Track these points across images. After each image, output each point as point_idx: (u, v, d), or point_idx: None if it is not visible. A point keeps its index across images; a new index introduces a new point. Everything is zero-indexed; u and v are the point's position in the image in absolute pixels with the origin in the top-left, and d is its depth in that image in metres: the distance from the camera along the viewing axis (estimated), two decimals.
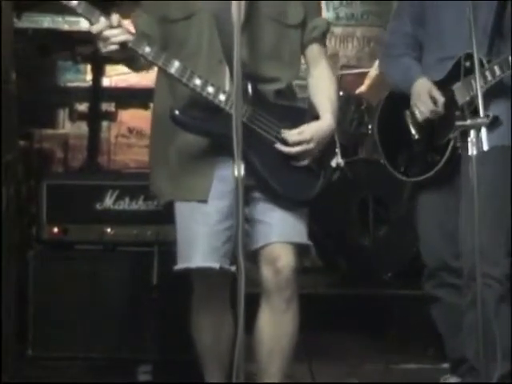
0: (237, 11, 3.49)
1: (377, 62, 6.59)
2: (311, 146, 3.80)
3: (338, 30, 7.54)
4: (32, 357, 5.23)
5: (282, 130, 3.79)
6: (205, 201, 3.79)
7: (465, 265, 4.12)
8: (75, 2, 3.58)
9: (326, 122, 3.87)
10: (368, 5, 8.11)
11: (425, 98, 4.26)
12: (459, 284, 4.29)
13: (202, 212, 3.82)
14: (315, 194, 3.88)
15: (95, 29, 3.57)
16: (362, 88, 6.65)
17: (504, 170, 4.14)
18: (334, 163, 3.94)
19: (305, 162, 3.84)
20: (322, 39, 4.04)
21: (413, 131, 4.38)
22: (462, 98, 4.16)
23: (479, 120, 3.65)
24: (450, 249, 4.36)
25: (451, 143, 4.22)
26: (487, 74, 3.98)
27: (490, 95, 4.05)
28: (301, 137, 3.79)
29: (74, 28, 5.58)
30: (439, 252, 4.43)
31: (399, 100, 4.46)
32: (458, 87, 4.20)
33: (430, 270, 4.47)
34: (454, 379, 4.48)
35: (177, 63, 3.67)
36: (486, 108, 3.80)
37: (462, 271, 4.23)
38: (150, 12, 3.88)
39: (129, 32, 3.63)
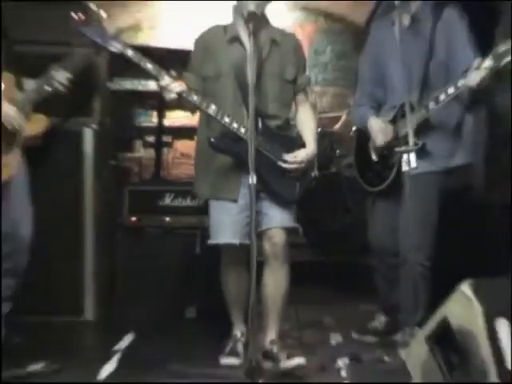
0: (251, 72, 3.53)
1: (346, 110, 6.66)
2: (302, 165, 3.83)
3: (317, 89, 7.52)
4: (119, 300, 5.13)
5: (284, 154, 3.81)
6: (235, 200, 3.81)
7: (401, 250, 4.05)
8: (150, 66, 3.65)
9: (310, 149, 3.89)
10: (338, 72, 8.06)
11: (378, 133, 4.16)
12: (394, 261, 4.19)
13: (229, 207, 3.83)
14: (300, 195, 3.88)
15: (162, 83, 3.65)
16: (337, 126, 6.63)
17: (430, 188, 4.01)
18: (313, 174, 3.95)
19: (296, 175, 3.85)
20: (305, 89, 4.04)
21: (373, 156, 4.25)
22: (401, 131, 4.03)
23: (409, 147, 3.60)
24: (390, 237, 4.23)
25: (396, 165, 4.06)
26: (417, 114, 3.86)
27: (425, 128, 3.95)
28: (296, 159, 3.82)
29: (145, 88, 5.54)
30: (381, 238, 4.31)
31: (364, 137, 4.32)
32: (398, 124, 4.08)
33: (374, 251, 4.37)
34: (382, 317, 4.40)
35: (213, 106, 3.72)
36: (421, 138, 3.84)
37: (396, 253, 4.15)
38: (194, 73, 3.90)
39: (184, 86, 3.69)
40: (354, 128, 4.64)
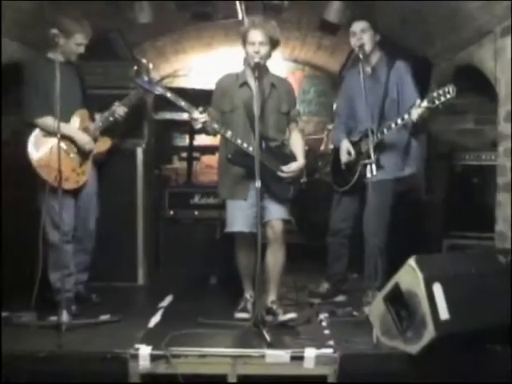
0: (256, 107, 3.57)
1: (325, 133, 6.66)
2: (294, 174, 3.81)
3: (304, 118, 7.47)
4: (162, 271, 5.22)
5: (281, 167, 3.79)
6: (245, 199, 3.78)
7: (365, 236, 4.07)
8: (183, 104, 3.67)
9: (300, 162, 3.86)
10: (319, 106, 8.06)
11: (344, 153, 4.17)
12: (344, 240, 4.28)
13: (241, 204, 3.80)
14: (292, 196, 3.85)
15: (193, 116, 3.64)
16: (322, 147, 6.61)
17: (385, 191, 4.02)
18: (302, 180, 3.95)
19: (289, 180, 3.82)
20: (296, 120, 4.01)
21: (342, 166, 4.26)
22: (364, 148, 4.06)
23: (371, 160, 3.73)
24: (345, 223, 4.26)
25: (358, 172, 4.10)
26: (375, 136, 3.89)
27: (382, 147, 4.00)
28: (290, 169, 3.80)
29: (180, 118, 5.54)
30: (339, 223, 4.29)
31: (338, 151, 4.32)
32: (362, 143, 4.10)
33: (332, 232, 4.34)
34: (326, 284, 4.40)
35: (229, 132, 3.72)
36: (377, 153, 3.86)
37: (347, 233, 4.25)
38: (214, 108, 3.87)
39: (208, 117, 3.66)
40: (331, 147, 4.62)
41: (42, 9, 3.95)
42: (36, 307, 3.37)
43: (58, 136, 3.41)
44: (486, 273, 3.25)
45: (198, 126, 3.67)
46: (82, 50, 3.85)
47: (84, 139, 3.88)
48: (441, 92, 3.60)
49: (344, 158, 4.17)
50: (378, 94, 4.03)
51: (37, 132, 3.75)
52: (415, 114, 3.72)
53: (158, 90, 3.77)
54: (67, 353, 3.13)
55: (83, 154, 3.91)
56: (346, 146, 4.18)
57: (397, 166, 4.09)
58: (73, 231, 3.92)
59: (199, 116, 3.63)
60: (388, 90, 4.07)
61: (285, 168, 3.79)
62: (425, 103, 3.67)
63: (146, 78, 3.88)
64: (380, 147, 3.95)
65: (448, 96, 3.58)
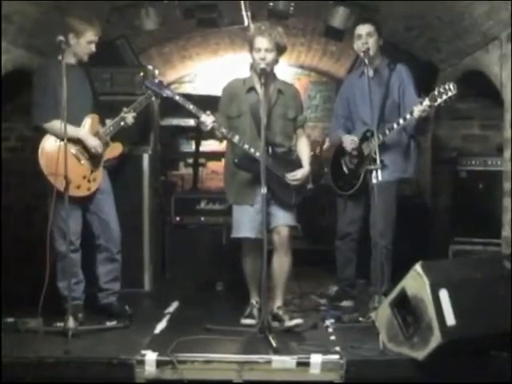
0: (263, 114, 3.57)
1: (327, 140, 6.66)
2: (300, 182, 3.82)
3: (310, 124, 7.45)
4: (168, 277, 5.25)
5: (287, 174, 3.79)
6: (252, 204, 3.78)
7: (372, 238, 4.08)
8: (192, 107, 3.70)
9: (306, 169, 3.86)
10: (324, 112, 8.09)
11: (348, 141, 4.16)
12: (352, 244, 4.29)
13: (248, 210, 3.80)
14: (299, 201, 3.85)
15: (201, 119, 3.68)
16: (325, 146, 6.59)
17: (390, 192, 4.06)
18: (308, 187, 3.93)
19: (295, 187, 3.82)
20: (303, 126, 4.01)
21: (344, 169, 4.28)
22: (366, 151, 4.09)
23: (377, 165, 3.72)
24: (352, 227, 4.26)
25: (362, 175, 4.12)
26: (377, 138, 3.82)
27: (385, 150, 3.99)
28: (296, 177, 3.80)
29: (186, 124, 5.54)
30: (346, 227, 4.30)
31: (338, 154, 4.34)
32: (364, 145, 4.12)
33: (340, 235, 4.35)
34: (335, 287, 4.42)
35: (237, 137, 3.73)
36: (381, 156, 3.82)
37: (355, 237, 4.26)
38: (222, 114, 3.86)
39: (216, 122, 3.69)
40: (327, 143, 4.64)
41: (47, 16, 3.97)
42: (42, 313, 3.38)
43: (65, 140, 3.41)
44: (492, 278, 3.24)
45: (207, 128, 3.69)
46: (93, 48, 3.80)
47: (94, 142, 3.82)
48: (442, 90, 3.65)
49: (349, 147, 4.15)
50: (379, 95, 4.07)
51: (47, 138, 3.72)
52: (417, 112, 3.77)
53: (167, 93, 3.78)
54: (74, 358, 3.14)
55: (94, 161, 3.87)
56: (348, 137, 4.18)
57: (399, 167, 4.13)
58: (97, 240, 3.90)
59: (208, 119, 3.65)
60: (389, 92, 4.11)
61: (290, 176, 3.79)
62: (427, 101, 3.72)
63: (155, 81, 3.90)
64: (381, 149, 3.94)
65: (449, 93, 3.62)
